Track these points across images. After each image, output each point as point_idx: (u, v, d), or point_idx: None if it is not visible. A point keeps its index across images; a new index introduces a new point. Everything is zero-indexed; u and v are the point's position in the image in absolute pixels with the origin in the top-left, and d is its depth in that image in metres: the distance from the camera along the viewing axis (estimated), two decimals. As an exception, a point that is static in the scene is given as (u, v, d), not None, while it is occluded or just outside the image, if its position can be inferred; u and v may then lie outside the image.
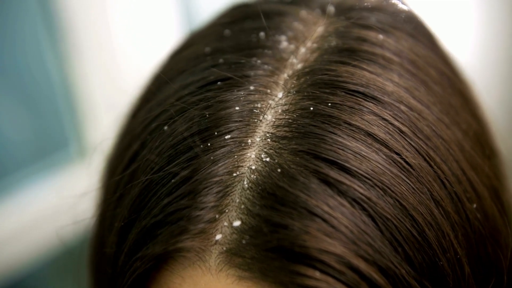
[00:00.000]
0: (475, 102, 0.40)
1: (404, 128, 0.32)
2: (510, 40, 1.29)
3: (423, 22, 0.40)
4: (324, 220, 0.28)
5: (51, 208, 0.95)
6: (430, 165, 0.32)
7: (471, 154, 0.35)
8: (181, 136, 0.32)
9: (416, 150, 0.31)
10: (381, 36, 0.35)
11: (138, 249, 0.31)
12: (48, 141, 1.03)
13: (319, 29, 0.36)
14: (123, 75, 1.04)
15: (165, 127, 0.33)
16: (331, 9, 0.38)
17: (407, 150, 0.31)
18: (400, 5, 0.40)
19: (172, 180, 0.31)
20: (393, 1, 0.40)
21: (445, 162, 0.32)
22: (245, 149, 0.31)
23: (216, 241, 0.30)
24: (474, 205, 0.33)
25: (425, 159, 0.31)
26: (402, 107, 0.32)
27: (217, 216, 0.30)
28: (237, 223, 0.29)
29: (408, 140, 0.31)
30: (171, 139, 0.32)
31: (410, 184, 0.30)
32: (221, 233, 0.30)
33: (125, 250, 0.32)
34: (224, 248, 0.29)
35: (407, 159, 0.31)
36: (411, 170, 0.31)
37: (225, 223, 0.30)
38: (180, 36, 1.18)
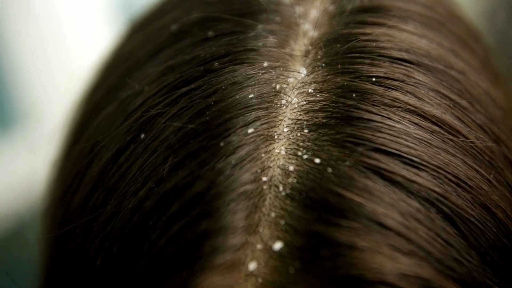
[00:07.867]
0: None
1: (464, 103, 0.25)
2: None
3: None
4: (400, 234, 0.21)
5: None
6: (498, 144, 0.26)
7: None
8: (184, 133, 0.24)
9: (482, 128, 0.25)
10: None
11: None
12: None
13: None
14: (49, 35, 0.94)
15: (162, 121, 0.25)
16: None
17: (473, 131, 0.25)
18: None
19: (182, 198, 0.23)
20: None
21: (508, 137, 0.27)
22: (272, 143, 0.23)
23: (250, 272, 0.22)
24: None
25: (492, 139, 0.26)
26: (455, 74, 0.26)
27: (247, 239, 0.22)
28: (277, 245, 0.22)
29: (472, 117, 0.25)
30: (172, 136, 0.24)
31: (485, 175, 0.24)
32: (254, 260, 0.22)
33: None
34: (260, 281, 0.22)
35: (476, 144, 0.24)
36: (483, 156, 0.24)
37: (259, 246, 0.22)
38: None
